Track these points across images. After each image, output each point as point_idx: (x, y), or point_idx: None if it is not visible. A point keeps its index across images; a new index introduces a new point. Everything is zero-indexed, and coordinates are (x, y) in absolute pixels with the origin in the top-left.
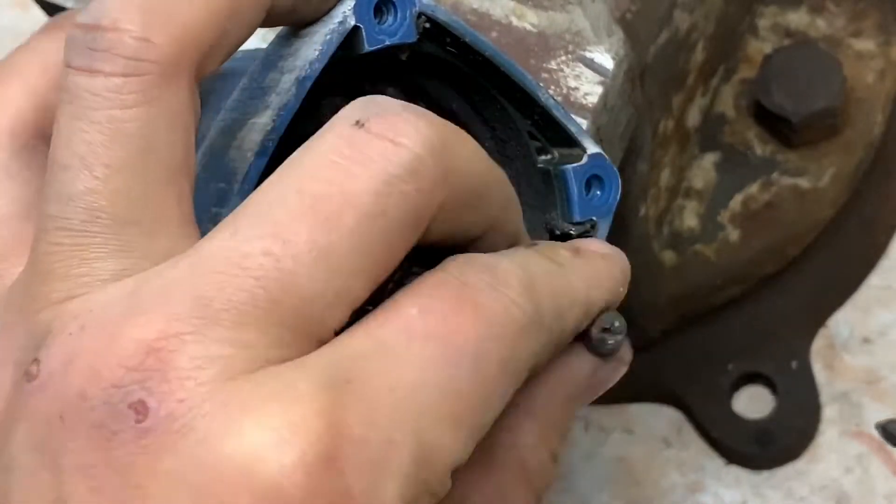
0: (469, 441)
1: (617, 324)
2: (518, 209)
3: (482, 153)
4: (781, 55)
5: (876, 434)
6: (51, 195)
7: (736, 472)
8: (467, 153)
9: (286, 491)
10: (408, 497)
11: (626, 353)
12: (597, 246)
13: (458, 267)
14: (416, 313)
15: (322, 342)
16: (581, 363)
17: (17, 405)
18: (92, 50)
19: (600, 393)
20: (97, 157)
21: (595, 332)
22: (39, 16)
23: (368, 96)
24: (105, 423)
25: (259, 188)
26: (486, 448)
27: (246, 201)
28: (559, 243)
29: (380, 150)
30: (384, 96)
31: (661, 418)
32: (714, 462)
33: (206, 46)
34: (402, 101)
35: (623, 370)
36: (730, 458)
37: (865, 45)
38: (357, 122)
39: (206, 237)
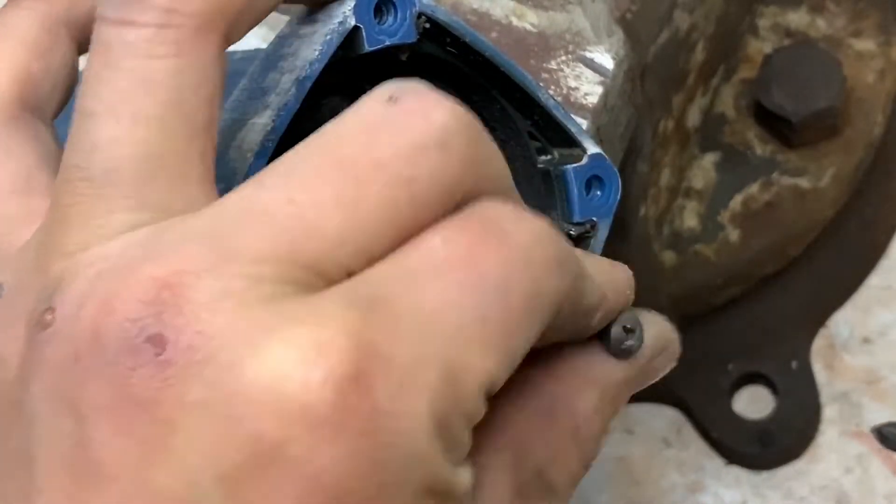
0: (499, 366)
1: (636, 329)
2: (516, 196)
3: (496, 149)
4: (781, 55)
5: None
6: (74, 144)
7: (736, 472)
8: (489, 144)
9: (315, 409)
10: (438, 413)
11: (677, 347)
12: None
13: (482, 204)
14: (440, 243)
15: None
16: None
17: (32, 356)
18: (126, 3)
19: (651, 382)
20: (125, 106)
21: (615, 330)
22: None
23: (400, 80)
24: (122, 359)
25: (288, 151)
26: (545, 402)
27: (273, 163)
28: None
29: (411, 122)
30: (416, 79)
31: (661, 418)
32: (714, 462)
33: (238, 7)
34: (432, 87)
35: (672, 364)
36: (730, 458)
37: (865, 45)
38: (389, 98)
39: (228, 194)
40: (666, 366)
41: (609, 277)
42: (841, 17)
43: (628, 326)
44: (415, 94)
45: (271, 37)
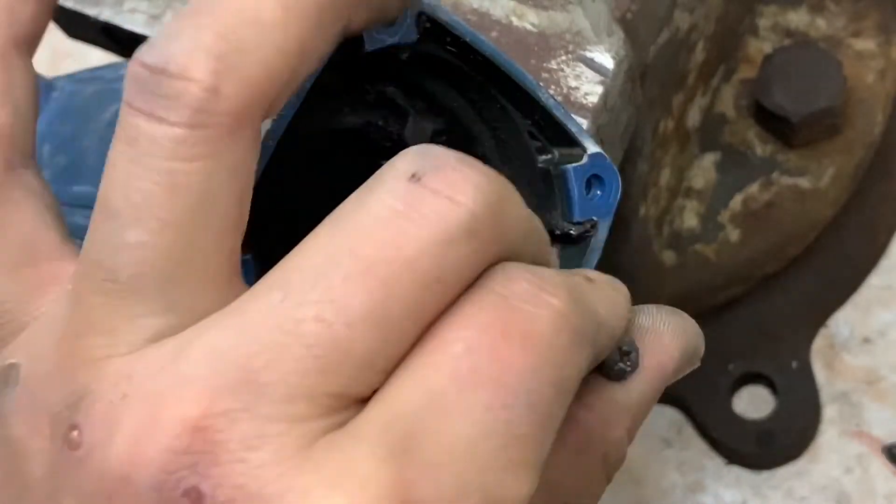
0: (534, 475)
1: (633, 353)
2: (547, 249)
3: (523, 204)
4: (781, 55)
5: (876, 434)
6: (97, 241)
7: (736, 472)
8: (516, 208)
9: None
10: None
11: (702, 347)
12: (600, 275)
13: (501, 282)
14: (463, 352)
15: (365, 396)
16: (671, 358)
17: (61, 475)
18: (156, 95)
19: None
20: (151, 210)
21: (610, 354)
22: None
23: (422, 146)
24: None
25: (306, 244)
26: (580, 437)
27: (292, 259)
28: (573, 271)
29: (437, 208)
30: (439, 147)
31: (661, 418)
32: (714, 462)
33: (276, 92)
34: (457, 153)
35: (696, 364)
36: (730, 458)
37: (865, 44)
38: (413, 176)
39: (251, 296)
40: (691, 368)
41: (613, 308)
42: (841, 17)
43: (624, 349)
44: (437, 171)
45: None
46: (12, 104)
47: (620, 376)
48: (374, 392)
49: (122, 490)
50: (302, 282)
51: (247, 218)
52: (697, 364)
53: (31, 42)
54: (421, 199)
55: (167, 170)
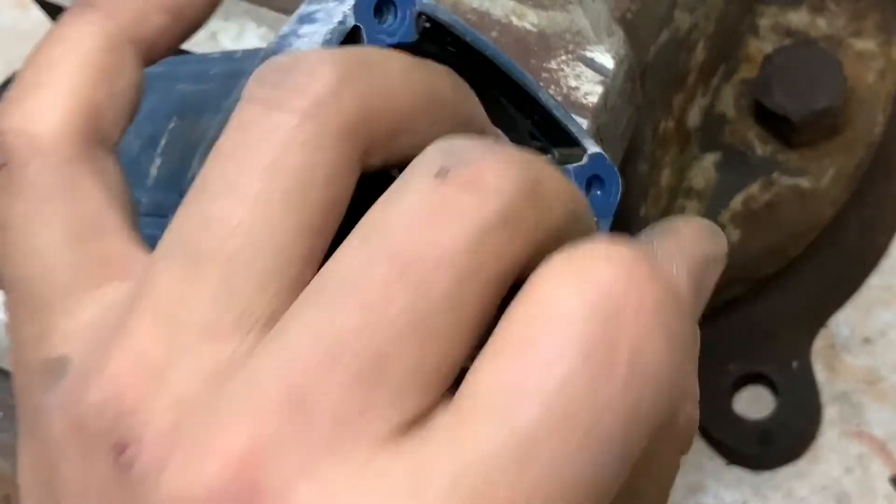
0: None
1: None
2: (594, 228)
3: (566, 181)
4: (782, 55)
5: (876, 434)
6: (185, 218)
7: (736, 472)
8: (557, 186)
9: None
10: None
11: (723, 246)
12: None
13: (599, 295)
14: (558, 387)
15: (421, 417)
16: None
17: (110, 493)
18: (279, 87)
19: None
20: (246, 184)
21: None
22: (39, 16)
23: (447, 139)
24: None
25: (341, 251)
26: None
27: (328, 269)
28: None
29: (467, 202)
30: (463, 138)
31: None
32: (714, 462)
33: (384, 129)
34: (483, 142)
35: (721, 266)
36: (730, 458)
37: (866, 44)
38: (438, 172)
39: (290, 315)
40: (718, 268)
41: None
42: (841, 16)
43: None
44: (464, 162)
45: (271, 36)
46: (112, 88)
47: None
48: (436, 406)
49: None
50: (339, 293)
51: (328, 245)
52: (722, 267)
53: (148, 50)
54: (451, 194)
55: (271, 150)
